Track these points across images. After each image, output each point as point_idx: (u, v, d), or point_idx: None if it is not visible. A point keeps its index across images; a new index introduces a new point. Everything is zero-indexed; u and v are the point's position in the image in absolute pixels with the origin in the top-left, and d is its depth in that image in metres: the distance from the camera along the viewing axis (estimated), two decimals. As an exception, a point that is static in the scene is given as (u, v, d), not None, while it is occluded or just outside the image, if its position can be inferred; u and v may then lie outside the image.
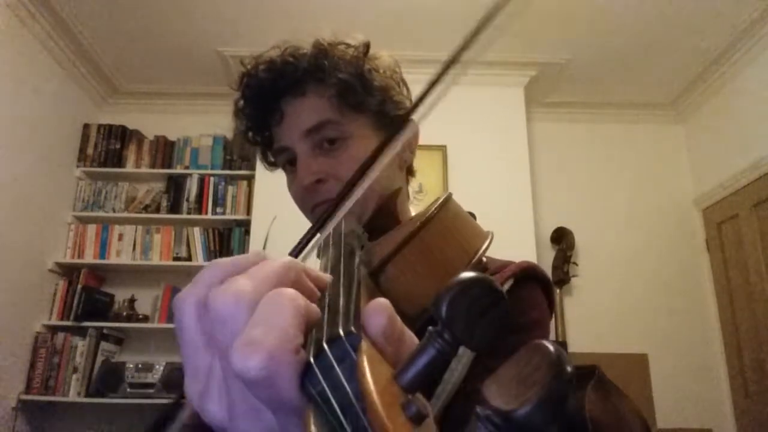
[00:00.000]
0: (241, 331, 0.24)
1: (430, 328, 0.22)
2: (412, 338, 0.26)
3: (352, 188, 0.49)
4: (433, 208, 0.49)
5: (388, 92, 0.70)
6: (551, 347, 0.19)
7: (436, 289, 0.45)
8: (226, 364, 0.26)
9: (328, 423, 0.21)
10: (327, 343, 0.23)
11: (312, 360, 0.23)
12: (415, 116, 0.53)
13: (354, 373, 0.22)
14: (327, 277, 0.30)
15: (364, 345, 0.23)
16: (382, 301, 0.25)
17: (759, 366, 2.79)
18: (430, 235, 0.47)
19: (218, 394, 0.26)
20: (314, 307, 0.26)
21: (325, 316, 0.26)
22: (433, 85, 0.52)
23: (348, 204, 0.46)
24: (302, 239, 0.46)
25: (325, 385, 0.22)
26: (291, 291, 0.25)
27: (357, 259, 0.36)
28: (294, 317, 0.24)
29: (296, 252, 0.45)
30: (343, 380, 0.22)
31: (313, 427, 0.21)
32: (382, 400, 0.20)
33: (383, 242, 0.48)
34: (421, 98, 0.52)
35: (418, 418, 0.20)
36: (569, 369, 0.18)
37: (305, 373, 0.23)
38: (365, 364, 0.21)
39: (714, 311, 3.17)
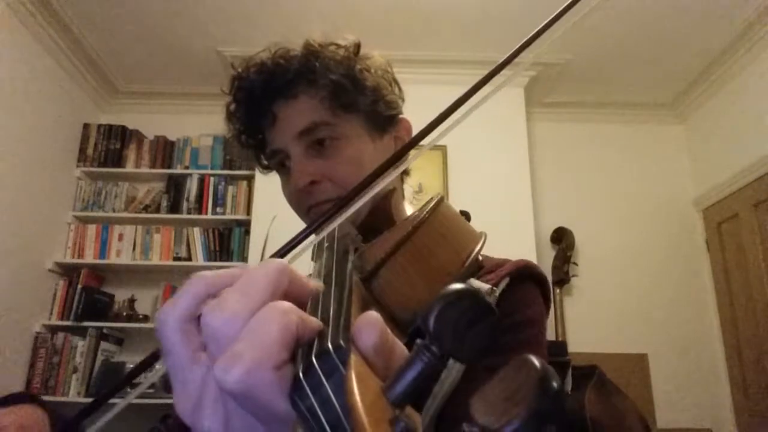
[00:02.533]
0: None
1: (418, 340, 0.22)
2: (402, 350, 0.26)
3: (353, 199, 0.49)
4: (425, 212, 0.49)
5: (380, 92, 0.70)
6: (537, 363, 0.19)
7: (428, 293, 0.44)
8: None
9: None
10: (316, 358, 0.23)
11: (301, 374, 0.23)
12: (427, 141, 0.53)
13: (342, 388, 0.21)
14: (315, 285, 0.30)
15: (353, 360, 0.22)
16: (373, 315, 0.25)
17: (759, 366, 2.78)
18: (422, 239, 0.46)
19: (212, 407, 0.26)
20: (312, 320, 0.26)
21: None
22: (452, 110, 0.52)
23: (346, 214, 0.46)
24: (294, 239, 0.46)
25: (313, 400, 0.22)
26: (284, 305, 0.25)
27: (350, 265, 0.36)
28: (280, 333, 0.24)
29: (287, 250, 0.45)
30: (332, 395, 0.22)
31: None
32: (369, 417, 0.20)
33: (376, 246, 0.48)
34: (437, 122, 0.52)
35: None
36: (555, 385, 0.18)
37: (295, 388, 0.23)
38: (353, 380, 0.21)
39: (714, 311, 3.17)
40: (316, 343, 0.25)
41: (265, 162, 0.76)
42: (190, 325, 0.28)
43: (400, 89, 0.75)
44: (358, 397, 0.20)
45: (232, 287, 0.26)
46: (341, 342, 0.24)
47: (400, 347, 0.26)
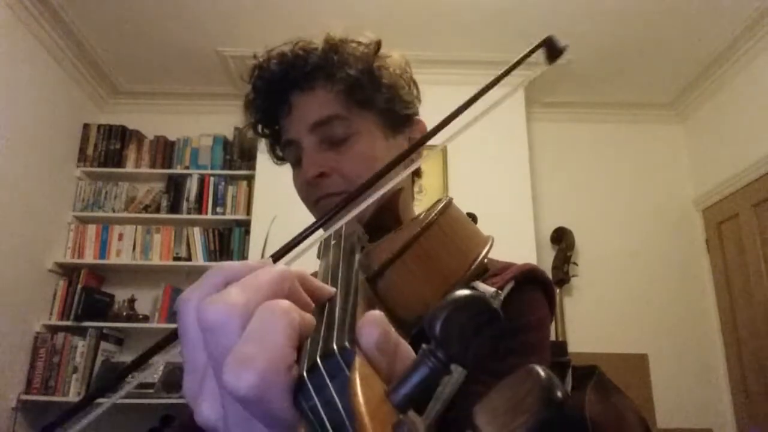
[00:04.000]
0: (233, 345, 0.23)
1: (424, 346, 0.22)
2: (407, 350, 0.26)
3: (361, 194, 0.49)
4: (434, 213, 0.49)
5: (397, 90, 0.70)
6: (542, 373, 0.19)
7: (434, 295, 0.44)
8: (218, 374, 0.25)
9: None
10: (320, 359, 0.23)
11: (305, 374, 0.23)
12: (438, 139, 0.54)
13: (346, 390, 0.21)
14: (330, 289, 0.30)
15: (358, 362, 0.22)
16: (377, 314, 0.25)
17: (759, 366, 2.79)
18: (430, 241, 0.46)
19: (211, 396, 0.26)
20: (309, 317, 0.26)
21: (322, 326, 0.26)
22: (460, 112, 0.52)
23: (354, 212, 0.46)
24: (300, 234, 0.46)
25: (317, 401, 0.22)
26: (285, 303, 0.25)
27: (356, 264, 0.36)
28: (288, 333, 0.23)
29: (292, 246, 0.45)
30: (336, 397, 0.22)
31: None
32: (373, 420, 0.19)
33: (382, 246, 0.48)
34: (446, 122, 0.52)
35: None
36: (560, 395, 0.18)
37: (298, 388, 0.23)
38: (357, 383, 0.21)
39: (714, 311, 3.17)
40: (320, 343, 0.24)
41: (280, 153, 0.76)
42: None
43: (417, 90, 0.75)
44: (362, 400, 0.20)
45: (233, 285, 0.26)
46: (346, 343, 0.24)
47: (405, 347, 0.26)
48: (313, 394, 0.22)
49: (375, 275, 0.43)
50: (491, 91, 0.54)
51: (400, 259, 0.43)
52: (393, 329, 0.25)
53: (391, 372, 0.24)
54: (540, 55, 0.59)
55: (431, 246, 0.46)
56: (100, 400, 0.40)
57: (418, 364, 0.22)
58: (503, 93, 0.53)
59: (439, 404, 0.43)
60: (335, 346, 0.23)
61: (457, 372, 0.44)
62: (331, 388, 0.22)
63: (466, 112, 0.54)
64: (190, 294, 0.28)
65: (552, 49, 0.57)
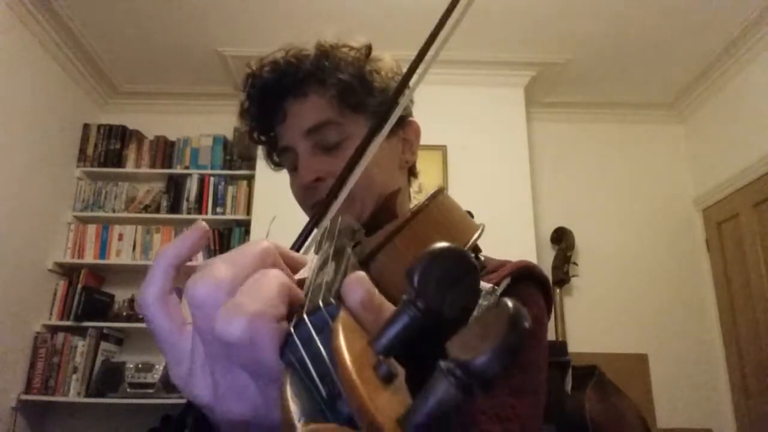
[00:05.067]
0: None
1: (404, 296, 0.23)
2: (391, 309, 0.27)
3: (343, 182, 0.51)
4: (425, 200, 0.50)
5: (389, 93, 0.70)
6: (510, 304, 0.20)
7: None
8: (207, 345, 0.27)
9: (305, 388, 0.23)
10: (307, 313, 0.25)
11: (292, 328, 0.24)
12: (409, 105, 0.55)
13: (330, 341, 0.22)
14: (303, 257, 0.32)
15: (342, 314, 0.24)
16: (360, 274, 0.26)
17: (759, 366, 2.79)
18: (421, 225, 0.47)
19: (202, 375, 0.28)
20: (297, 288, 0.27)
21: (309, 294, 0.28)
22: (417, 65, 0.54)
23: (341, 196, 0.47)
24: (300, 236, 0.46)
25: (303, 353, 0.23)
26: (275, 270, 0.27)
27: (348, 250, 0.37)
28: (278, 289, 0.25)
29: (295, 249, 0.45)
30: (321, 347, 0.23)
31: (289, 391, 0.22)
32: (354, 361, 0.20)
33: (376, 235, 0.49)
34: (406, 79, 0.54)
35: (388, 377, 0.21)
36: (525, 323, 0.19)
37: (285, 343, 0.24)
38: (340, 329, 0.22)
39: (714, 311, 3.17)
40: (307, 304, 0.26)
41: (276, 159, 0.77)
42: (169, 299, 0.29)
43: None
44: (344, 346, 0.21)
45: (219, 258, 0.28)
46: (331, 299, 0.25)
47: (390, 307, 0.27)
48: (300, 347, 0.24)
49: (367, 258, 0.44)
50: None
51: (391, 242, 0.45)
52: (377, 290, 0.26)
53: (375, 330, 0.25)
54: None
55: (421, 230, 0.47)
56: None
57: (399, 314, 0.23)
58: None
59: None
60: (321, 302, 0.25)
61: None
62: (317, 341, 0.23)
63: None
64: (146, 291, 0.29)
65: None
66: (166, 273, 0.29)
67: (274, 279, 0.26)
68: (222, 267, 0.27)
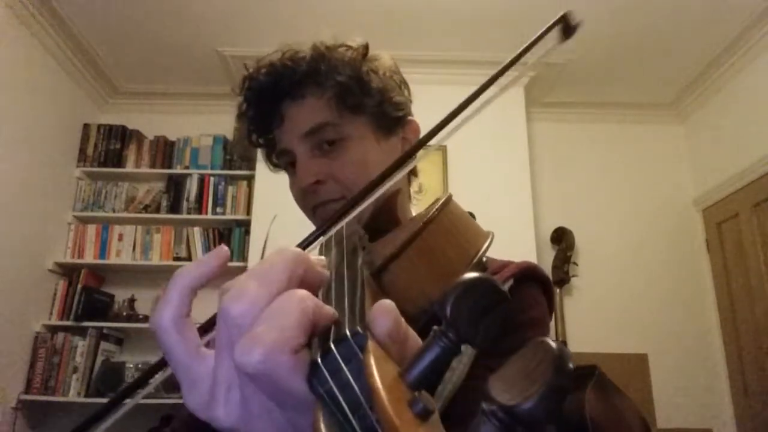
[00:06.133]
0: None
1: (435, 327, 0.23)
2: (415, 338, 0.27)
3: (361, 200, 0.50)
4: (435, 209, 0.50)
5: (387, 93, 0.70)
6: (553, 344, 0.20)
7: (437, 288, 0.45)
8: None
9: (336, 421, 0.22)
10: (334, 343, 0.24)
11: (319, 359, 0.24)
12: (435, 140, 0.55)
13: (361, 372, 0.22)
14: (325, 273, 0.31)
15: (371, 345, 0.23)
16: (388, 303, 0.26)
17: (759, 366, 2.79)
18: (432, 236, 0.47)
19: (225, 397, 0.27)
20: (327, 307, 0.27)
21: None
22: (460, 111, 0.53)
23: (353, 213, 0.47)
24: (304, 241, 0.46)
25: (332, 384, 0.23)
26: (302, 293, 0.26)
27: (360, 260, 0.37)
28: (298, 318, 0.24)
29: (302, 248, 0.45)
30: (351, 379, 0.23)
31: (322, 425, 0.22)
32: (390, 397, 0.20)
33: (385, 243, 0.49)
34: (444, 124, 0.53)
35: (425, 414, 0.21)
36: (570, 365, 0.19)
37: (312, 374, 0.24)
38: (372, 362, 0.22)
39: (714, 311, 3.17)
40: (333, 330, 0.25)
41: (275, 161, 0.77)
42: (184, 322, 0.29)
43: (408, 91, 0.75)
44: (378, 379, 0.21)
45: (249, 275, 0.27)
46: (359, 329, 0.25)
47: (413, 335, 0.27)
48: (329, 378, 0.23)
49: (379, 270, 0.44)
50: (495, 90, 0.55)
51: (403, 254, 0.45)
52: (402, 318, 0.26)
53: (401, 358, 0.25)
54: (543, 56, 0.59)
55: (433, 241, 0.47)
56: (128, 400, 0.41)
57: (430, 345, 0.22)
58: (503, 87, 0.55)
59: (449, 387, 0.45)
60: (348, 332, 0.24)
61: (467, 354, 0.46)
62: (347, 372, 0.23)
63: (466, 111, 0.55)
64: (161, 311, 0.29)
65: (567, 27, 0.58)
66: (184, 295, 0.29)
67: (297, 305, 0.25)
68: (252, 285, 0.26)
